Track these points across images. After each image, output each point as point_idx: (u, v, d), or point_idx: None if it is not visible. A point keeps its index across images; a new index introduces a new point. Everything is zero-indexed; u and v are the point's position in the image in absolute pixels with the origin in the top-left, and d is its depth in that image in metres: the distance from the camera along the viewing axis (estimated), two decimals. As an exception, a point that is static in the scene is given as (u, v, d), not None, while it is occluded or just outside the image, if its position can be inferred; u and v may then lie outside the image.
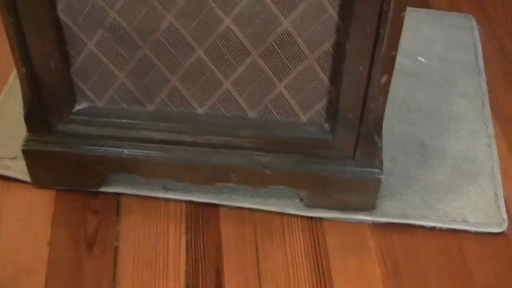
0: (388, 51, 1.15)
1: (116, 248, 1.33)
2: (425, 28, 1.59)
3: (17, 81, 1.53)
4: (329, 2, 1.13)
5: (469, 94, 1.48)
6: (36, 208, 1.39)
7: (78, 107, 1.32)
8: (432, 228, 1.36)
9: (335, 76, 1.22)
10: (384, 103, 1.23)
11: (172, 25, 1.18)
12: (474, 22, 1.61)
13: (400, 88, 1.41)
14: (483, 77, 1.58)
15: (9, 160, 1.42)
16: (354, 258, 1.32)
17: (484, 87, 1.56)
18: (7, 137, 1.46)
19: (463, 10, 1.73)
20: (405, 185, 1.40)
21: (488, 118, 1.51)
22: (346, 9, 1.13)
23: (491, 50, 1.65)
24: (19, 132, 1.41)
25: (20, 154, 1.39)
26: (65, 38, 1.22)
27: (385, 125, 1.26)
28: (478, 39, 1.58)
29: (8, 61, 1.63)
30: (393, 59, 1.18)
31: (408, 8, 1.13)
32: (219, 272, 1.30)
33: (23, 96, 1.28)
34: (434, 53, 1.55)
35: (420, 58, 1.54)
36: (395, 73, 1.19)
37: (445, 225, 1.36)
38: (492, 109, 1.55)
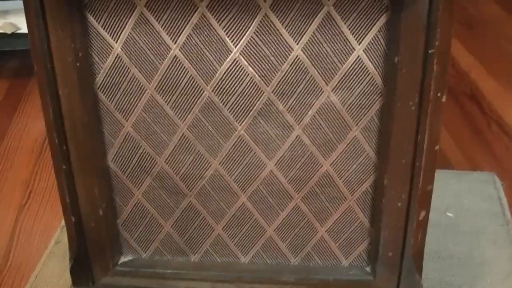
0: (425, 185, 1.19)
1: None
2: (451, 186, 1.65)
3: (58, 246, 1.58)
4: (367, 141, 1.19)
5: (499, 241, 1.51)
6: None
7: (123, 259, 1.34)
8: None
9: (375, 216, 1.26)
10: (424, 239, 1.26)
11: (218, 171, 1.24)
12: (496, 178, 1.68)
13: (431, 239, 1.43)
14: (512, 225, 1.61)
15: (51, 321, 1.42)
16: None
17: (514, 234, 1.59)
18: (48, 298, 1.47)
19: (484, 169, 1.80)
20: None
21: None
22: (383, 145, 1.19)
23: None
24: (60, 294, 1.44)
25: (61, 316, 1.41)
26: (113, 187, 1.27)
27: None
28: (503, 192, 1.64)
29: (51, 227, 1.69)
30: (429, 194, 1.21)
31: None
32: None
33: (70, 248, 1.30)
34: (461, 206, 1.60)
35: (449, 214, 1.59)
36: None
37: None
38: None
